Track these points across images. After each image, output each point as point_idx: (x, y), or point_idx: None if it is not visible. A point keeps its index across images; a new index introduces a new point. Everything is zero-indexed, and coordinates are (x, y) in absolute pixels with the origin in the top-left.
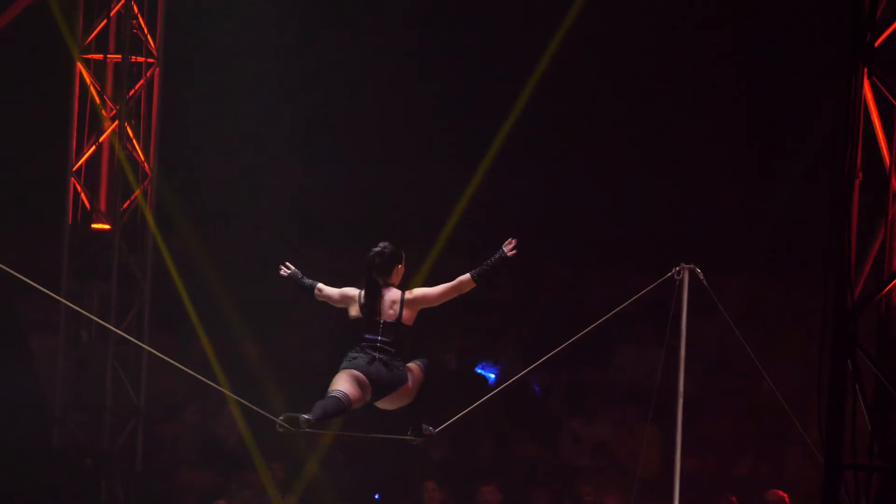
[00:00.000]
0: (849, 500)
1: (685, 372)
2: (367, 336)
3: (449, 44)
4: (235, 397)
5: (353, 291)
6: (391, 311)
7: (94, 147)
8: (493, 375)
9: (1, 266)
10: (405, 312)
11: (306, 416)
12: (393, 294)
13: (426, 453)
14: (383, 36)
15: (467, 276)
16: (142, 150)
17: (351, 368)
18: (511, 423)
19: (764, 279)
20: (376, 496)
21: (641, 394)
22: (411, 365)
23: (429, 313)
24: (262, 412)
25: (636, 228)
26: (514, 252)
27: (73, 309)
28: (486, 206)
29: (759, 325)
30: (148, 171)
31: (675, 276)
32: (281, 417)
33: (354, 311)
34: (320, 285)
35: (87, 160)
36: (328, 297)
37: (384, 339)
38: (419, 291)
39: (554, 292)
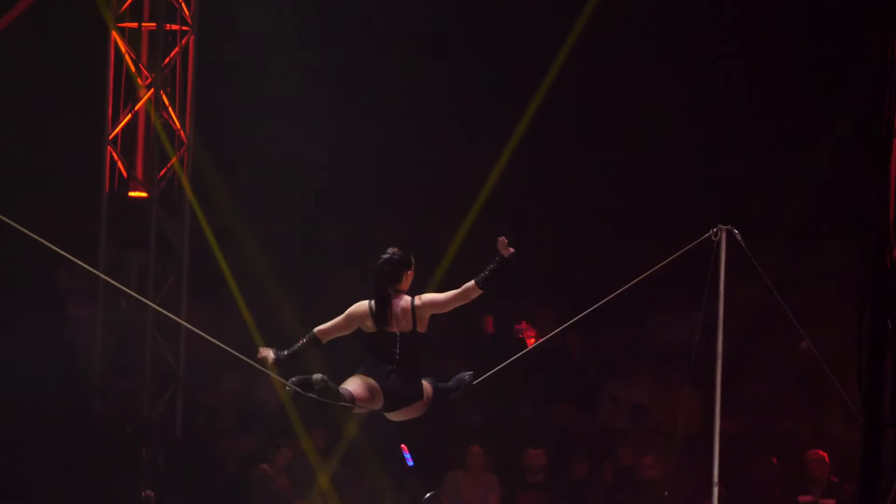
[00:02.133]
0: (889, 460)
1: (723, 333)
2: (383, 349)
3: (484, 6)
4: (242, 356)
5: (360, 309)
6: (405, 322)
7: (129, 115)
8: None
9: (38, 238)
10: (419, 321)
11: (319, 376)
12: (404, 302)
13: (465, 417)
14: None
15: (472, 283)
16: (177, 118)
17: (366, 375)
18: (549, 386)
19: (802, 239)
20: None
21: (680, 355)
22: (424, 382)
23: (465, 280)
24: (276, 376)
25: (674, 190)
26: (511, 250)
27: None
28: (522, 171)
29: (798, 286)
30: (184, 139)
31: (713, 238)
32: (292, 379)
33: (368, 326)
34: (318, 329)
35: (123, 128)
36: (335, 329)
37: (401, 350)
38: (428, 298)
39: (591, 254)
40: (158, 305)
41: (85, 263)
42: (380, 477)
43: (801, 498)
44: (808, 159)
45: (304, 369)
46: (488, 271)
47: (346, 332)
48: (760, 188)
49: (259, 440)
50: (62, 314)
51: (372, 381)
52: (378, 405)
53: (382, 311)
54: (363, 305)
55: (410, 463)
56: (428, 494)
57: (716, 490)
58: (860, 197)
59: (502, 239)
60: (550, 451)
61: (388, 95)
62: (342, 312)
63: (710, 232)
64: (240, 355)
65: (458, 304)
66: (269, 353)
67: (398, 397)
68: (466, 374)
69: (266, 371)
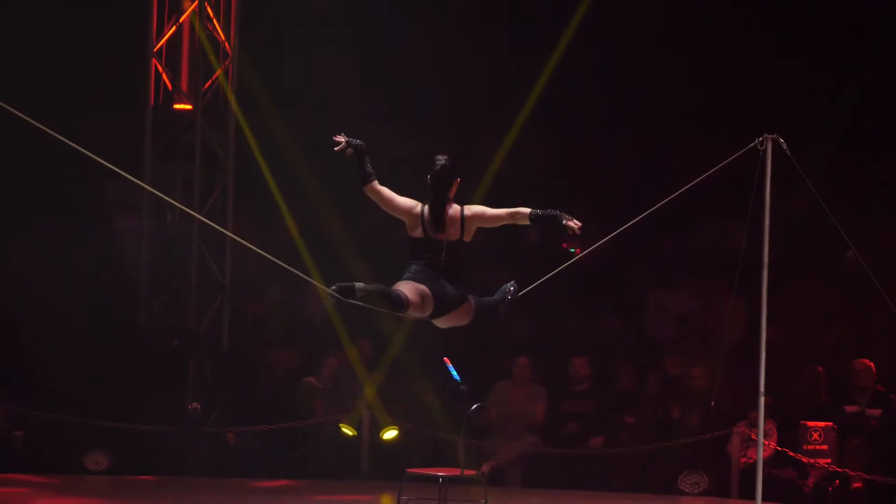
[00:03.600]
0: None
1: (769, 242)
2: (430, 255)
3: None
4: (287, 266)
5: (414, 208)
6: (453, 230)
7: (174, 27)
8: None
9: (84, 150)
10: (466, 230)
11: (361, 284)
12: (453, 210)
13: (513, 329)
14: None
15: (527, 210)
16: (222, 30)
17: (415, 281)
18: (595, 297)
19: (847, 148)
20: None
21: (725, 265)
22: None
23: (511, 188)
24: (316, 283)
25: (720, 100)
26: (573, 231)
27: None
28: (567, 82)
29: (843, 195)
30: (229, 51)
31: (759, 147)
32: (333, 287)
33: (416, 230)
34: (377, 183)
35: (167, 41)
36: (383, 198)
37: (447, 257)
38: (478, 209)
39: (637, 164)
40: (204, 217)
41: (131, 176)
42: (427, 390)
43: (848, 408)
44: (855, 68)
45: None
46: (546, 214)
47: (388, 209)
48: (807, 96)
49: (305, 352)
50: (109, 228)
51: (421, 286)
52: (427, 311)
53: (439, 217)
54: (417, 207)
55: (456, 377)
56: (475, 405)
57: (762, 400)
58: None
59: (578, 225)
60: (596, 360)
61: (432, 7)
62: (387, 223)
63: (756, 141)
64: (286, 265)
65: (504, 223)
66: (341, 140)
67: (446, 301)
68: (510, 285)
69: (310, 280)
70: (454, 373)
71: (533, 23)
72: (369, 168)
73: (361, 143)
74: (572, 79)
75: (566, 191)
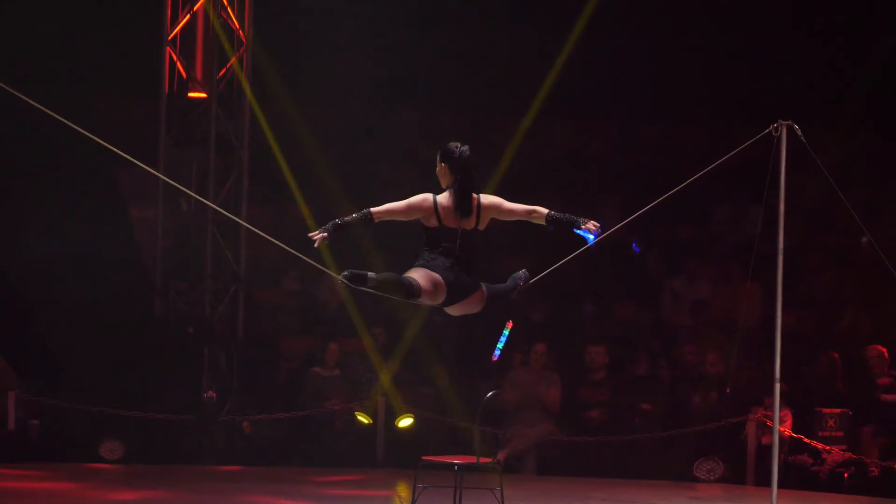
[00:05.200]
0: None
1: (784, 228)
2: (443, 244)
3: None
4: (300, 255)
5: (426, 202)
6: (470, 218)
7: (188, 15)
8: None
9: (98, 139)
10: (482, 220)
11: (373, 274)
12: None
13: (528, 317)
14: None
15: (545, 210)
16: (236, 18)
17: (428, 269)
18: (610, 283)
19: (861, 133)
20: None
21: (740, 251)
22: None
23: (526, 174)
24: (327, 271)
25: (734, 85)
26: (592, 233)
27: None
28: (584, 67)
29: (858, 180)
30: (243, 39)
31: (774, 133)
32: (344, 273)
33: (431, 220)
34: (374, 209)
35: (182, 29)
36: (392, 212)
37: (461, 246)
38: (495, 200)
39: (652, 150)
40: (219, 206)
41: (145, 165)
42: (442, 377)
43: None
44: (870, 53)
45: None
46: (563, 217)
47: (401, 218)
48: (821, 80)
49: (320, 340)
50: (124, 216)
51: (434, 274)
52: (440, 298)
53: (468, 202)
54: (428, 199)
55: (499, 348)
56: (491, 392)
57: (777, 386)
58: None
59: (596, 224)
60: (612, 348)
61: None
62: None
63: (771, 127)
64: (300, 255)
65: (517, 219)
66: (318, 236)
67: (459, 289)
68: (521, 273)
69: (326, 271)
70: (501, 343)
71: (548, 9)
72: (355, 216)
73: (331, 223)
74: (588, 65)
75: (581, 178)
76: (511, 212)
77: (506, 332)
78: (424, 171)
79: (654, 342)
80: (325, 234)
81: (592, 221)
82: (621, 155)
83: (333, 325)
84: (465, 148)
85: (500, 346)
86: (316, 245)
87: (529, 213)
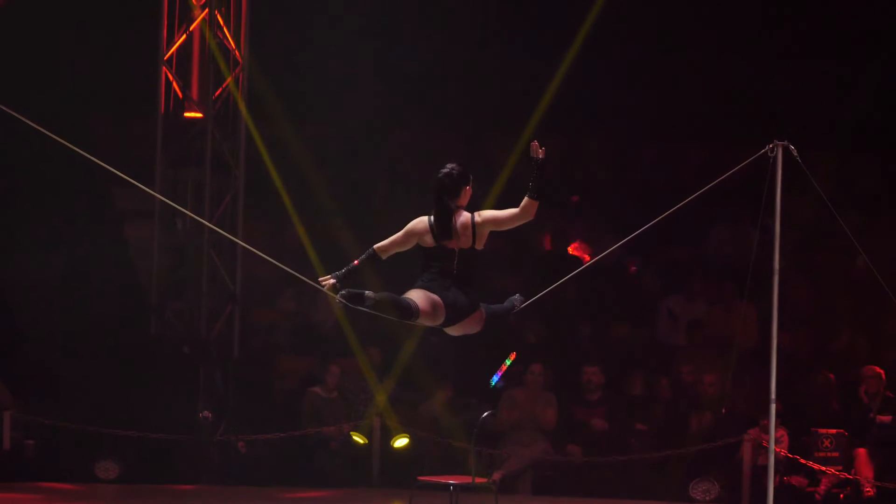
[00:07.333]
0: None
1: (780, 249)
2: (441, 264)
3: None
4: (297, 274)
5: (420, 225)
6: (464, 238)
7: (184, 35)
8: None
9: (94, 159)
10: (478, 237)
11: (371, 293)
12: (464, 218)
13: (523, 337)
14: None
15: (526, 198)
16: (232, 38)
17: (427, 289)
18: (606, 304)
19: (857, 155)
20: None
21: (736, 271)
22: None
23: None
24: (324, 290)
25: (730, 106)
26: (542, 150)
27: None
28: (577, 86)
29: (853, 201)
30: (239, 59)
31: (769, 154)
32: (342, 292)
33: (427, 241)
34: (377, 246)
35: (178, 49)
36: (394, 244)
37: (458, 266)
38: (489, 214)
39: (647, 171)
40: (215, 225)
41: (141, 184)
42: (437, 395)
43: (880, 417)
44: (865, 73)
45: (361, 287)
46: (532, 181)
47: (404, 248)
48: (817, 101)
49: (317, 359)
50: (119, 235)
51: (432, 295)
52: (439, 319)
53: (445, 226)
54: (422, 221)
55: (497, 377)
56: (486, 413)
57: (773, 406)
58: None
59: (534, 143)
60: (608, 368)
61: (442, 12)
62: (398, 230)
63: (767, 148)
64: (296, 274)
65: (519, 223)
66: (328, 281)
67: (458, 309)
68: (516, 297)
69: (321, 289)
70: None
71: (546, 25)
72: (363, 258)
73: (340, 271)
74: (584, 83)
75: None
76: (507, 219)
77: (508, 362)
78: (419, 189)
79: (650, 362)
80: (335, 281)
81: (538, 151)
82: (617, 173)
83: (329, 344)
84: (447, 169)
85: (498, 377)
86: (325, 289)
87: (523, 211)
